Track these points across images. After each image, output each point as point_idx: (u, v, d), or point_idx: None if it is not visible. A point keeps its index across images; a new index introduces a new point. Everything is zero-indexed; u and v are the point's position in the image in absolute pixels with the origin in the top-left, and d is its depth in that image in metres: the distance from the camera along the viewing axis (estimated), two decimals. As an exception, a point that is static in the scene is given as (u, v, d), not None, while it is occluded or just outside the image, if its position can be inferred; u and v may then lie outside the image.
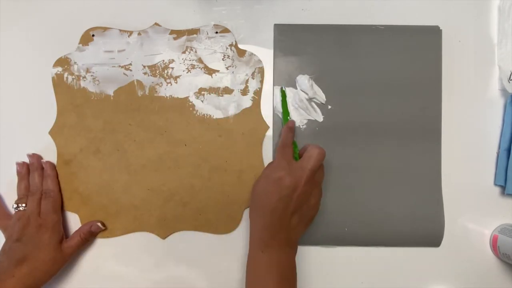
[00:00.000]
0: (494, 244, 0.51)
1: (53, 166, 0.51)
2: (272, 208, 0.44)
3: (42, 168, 0.51)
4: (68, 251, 0.48)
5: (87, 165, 0.51)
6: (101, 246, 0.51)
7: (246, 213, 0.51)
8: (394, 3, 0.52)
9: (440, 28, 0.51)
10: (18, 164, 0.51)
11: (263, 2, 0.52)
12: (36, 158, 0.51)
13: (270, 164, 0.48)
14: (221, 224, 0.51)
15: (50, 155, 0.51)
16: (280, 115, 0.51)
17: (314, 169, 0.45)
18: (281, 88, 0.51)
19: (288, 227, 0.45)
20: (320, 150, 0.46)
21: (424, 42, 0.51)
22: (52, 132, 0.52)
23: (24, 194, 0.50)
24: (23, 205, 0.49)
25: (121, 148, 0.51)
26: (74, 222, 0.51)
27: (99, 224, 0.50)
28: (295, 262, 0.46)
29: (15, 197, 0.50)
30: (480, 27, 0.53)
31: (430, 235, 0.51)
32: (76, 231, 0.50)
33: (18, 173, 0.50)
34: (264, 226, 0.45)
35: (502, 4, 0.52)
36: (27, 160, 0.51)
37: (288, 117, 0.51)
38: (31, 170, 0.50)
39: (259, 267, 0.44)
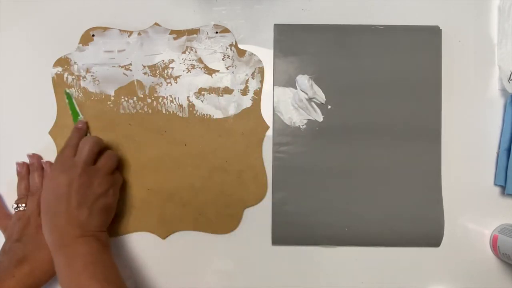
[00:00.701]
0: (494, 244, 0.51)
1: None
2: (53, 209, 0.44)
3: (42, 168, 0.51)
4: None
5: (87, 165, 0.51)
6: (101, 246, 0.51)
7: (246, 213, 0.51)
8: (394, 3, 0.52)
9: (440, 28, 0.51)
10: (18, 164, 0.51)
11: (263, 2, 0.52)
12: (36, 158, 0.51)
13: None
14: (221, 224, 0.51)
15: (50, 155, 0.51)
16: (281, 116, 0.51)
17: (87, 160, 0.45)
18: (65, 90, 0.51)
19: (78, 222, 0.44)
20: (90, 139, 0.46)
21: (424, 42, 0.51)
22: (52, 132, 0.52)
23: (24, 194, 0.50)
24: (23, 205, 0.49)
25: (121, 148, 0.51)
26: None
27: None
28: (103, 250, 0.44)
29: (15, 197, 0.50)
30: (480, 27, 0.53)
31: (430, 235, 0.51)
32: None
33: (18, 173, 0.51)
34: (51, 229, 0.44)
35: (502, 4, 0.52)
36: (27, 160, 0.51)
37: (79, 117, 0.51)
38: (31, 170, 0.50)
39: (61, 267, 0.43)
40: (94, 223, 0.45)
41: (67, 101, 0.51)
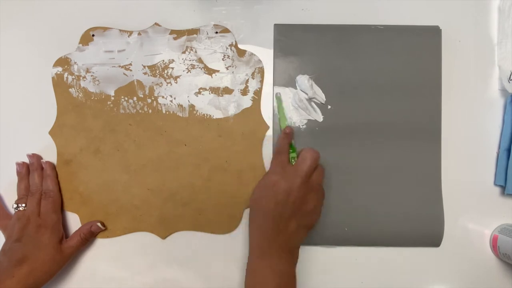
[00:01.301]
0: (494, 244, 0.51)
1: (52, 166, 0.51)
2: (269, 214, 0.44)
3: (42, 168, 0.51)
4: (68, 251, 0.48)
5: (87, 165, 0.51)
6: (101, 246, 0.51)
7: (246, 213, 0.51)
8: (394, 3, 0.52)
9: (440, 28, 0.51)
10: (18, 164, 0.51)
11: (263, 2, 0.52)
12: (36, 158, 0.51)
13: (267, 172, 0.49)
14: (221, 224, 0.51)
15: (50, 155, 0.51)
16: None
17: (308, 172, 0.45)
18: (276, 95, 0.51)
19: (286, 233, 0.44)
20: (313, 152, 0.46)
21: (424, 42, 0.51)
22: (52, 132, 0.52)
23: (24, 194, 0.50)
24: (23, 205, 0.49)
25: (121, 148, 0.51)
26: (74, 222, 0.51)
27: (99, 224, 0.50)
28: (294, 271, 0.45)
29: (15, 197, 0.50)
30: (480, 27, 0.53)
31: (430, 235, 0.51)
32: (76, 231, 0.50)
33: (18, 173, 0.51)
34: (261, 232, 0.45)
35: (502, 4, 0.52)
36: (27, 160, 0.51)
37: (286, 123, 0.51)
38: (31, 170, 0.50)
39: (257, 274, 0.44)
40: (298, 238, 0.46)
41: (276, 105, 0.51)
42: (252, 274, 0.44)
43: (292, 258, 0.46)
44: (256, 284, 0.44)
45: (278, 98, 0.51)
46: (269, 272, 0.43)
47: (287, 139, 0.49)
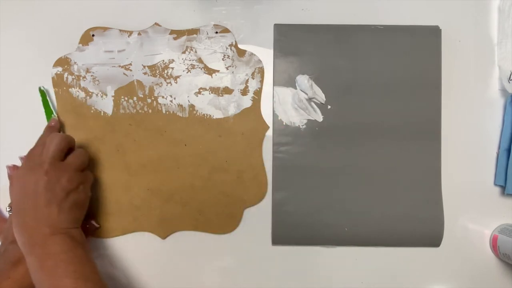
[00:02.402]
0: (494, 244, 0.51)
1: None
2: (21, 208, 0.43)
3: None
4: None
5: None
6: (100, 246, 0.51)
7: (246, 213, 0.51)
8: (394, 3, 0.52)
9: (440, 28, 0.51)
10: (8, 167, 0.50)
11: (263, 2, 0.52)
12: None
13: None
14: (221, 224, 0.51)
15: (50, 155, 0.51)
16: (279, 115, 0.51)
17: (54, 155, 0.44)
18: (39, 88, 0.51)
19: (47, 220, 0.43)
20: (54, 135, 0.45)
21: (424, 42, 0.51)
22: (52, 132, 0.52)
23: None
24: None
25: (121, 148, 0.51)
26: (74, 222, 0.51)
27: (93, 222, 0.50)
28: (78, 246, 0.43)
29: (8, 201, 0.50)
30: (480, 27, 0.53)
31: (430, 235, 0.51)
32: None
33: (9, 176, 0.50)
34: (20, 229, 0.43)
35: (502, 4, 0.52)
36: (18, 162, 0.51)
37: (52, 115, 0.50)
38: None
39: (33, 270, 0.42)
40: (65, 220, 0.44)
41: (41, 98, 0.51)
42: (32, 273, 0.42)
43: (68, 238, 0.43)
44: (38, 277, 0.41)
45: (41, 91, 0.50)
46: (41, 260, 0.41)
47: (49, 131, 0.48)
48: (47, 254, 0.41)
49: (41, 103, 0.51)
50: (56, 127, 0.49)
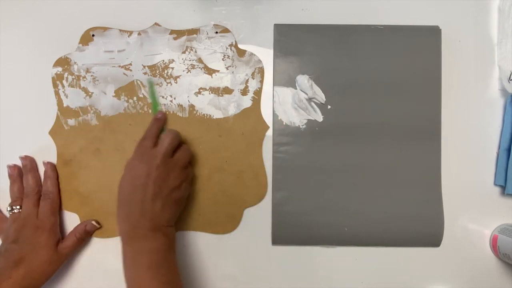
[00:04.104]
0: (494, 244, 0.51)
1: (53, 167, 0.51)
2: (129, 198, 0.44)
3: (36, 170, 0.50)
4: (64, 251, 0.48)
5: (87, 165, 0.51)
6: (100, 247, 0.51)
7: (246, 213, 0.51)
8: (394, 3, 0.52)
9: (440, 28, 0.51)
10: (9, 167, 0.50)
11: (263, 2, 0.52)
12: (29, 160, 0.50)
13: None
14: (221, 224, 0.51)
15: (50, 155, 0.51)
16: (279, 115, 0.51)
17: (167, 152, 0.45)
18: (148, 79, 0.51)
19: (151, 213, 0.44)
20: (170, 133, 0.46)
21: (424, 42, 0.51)
22: (52, 132, 0.52)
23: (17, 197, 0.49)
24: (17, 207, 0.48)
25: (121, 148, 0.51)
26: (74, 222, 0.51)
27: (94, 222, 0.50)
28: (170, 248, 0.45)
29: (9, 200, 0.50)
30: (480, 27, 0.53)
31: (430, 235, 0.51)
32: (72, 231, 0.50)
33: (10, 176, 0.50)
34: (124, 218, 0.44)
35: (502, 4, 0.52)
36: (18, 162, 0.51)
37: (158, 108, 0.51)
38: (24, 172, 0.50)
39: (127, 260, 0.43)
40: (165, 217, 0.45)
41: (147, 89, 0.51)
42: (124, 261, 0.44)
43: (163, 236, 0.44)
44: (129, 269, 0.43)
45: (150, 82, 0.51)
46: (137, 254, 0.43)
47: (157, 124, 0.49)
48: (143, 250, 0.43)
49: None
50: (162, 119, 0.49)
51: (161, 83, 0.51)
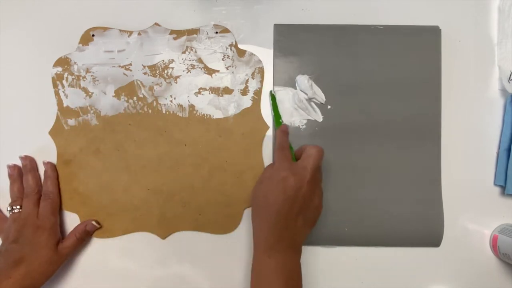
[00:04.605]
0: (494, 244, 0.51)
1: (54, 167, 0.51)
2: (278, 209, 0.43)
3: (36, 169, 0.50)
4: (64, 251, 0.48)
5: (87, 165, 0.51)
6: (100, 247, 0.51)
7: (246, 213, 0.51)
8: (394, 3, 0.52)
9: (440, 28, 0.51)
10: (9, 167, 0.50)
11: (263, 2, 0.52)
12: (29, 160, 0.50)
13: (270, 166, 0.47)
14: (221, 224, 0.51)
15: (50, 155, 0.51)
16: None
17: (316, 168, 0.45)
18: (270, 92, 0.51)
19: (293, 229, 0.44)
20: (318, 148, 0.46)
21: (424, 42, 0.51)
22: (52, 132, 0.52)
23: (17, 197, 0.49)
24: (18, 207, 0.48)
25: (121, 148, 0.51)
26: (74, 222, 0.51)
27: (94, 222, 0.50)
28: (300, 265, 0.45)
29: (9, 200, 0.50)
30: (480, 27, 0.53)
31: (430, 235, 0.51)
32: (72, 231, 0.50)
33: (10, 176, 0.50)
34: (269, 228, 0.44)
35: (502, 4, 0.52)
36: (18, 162, 0.51)
37: (280, 121, 0.50)
38: (24, 172, 0.50)
39: (265, 271, 0.43)
40: (303, 235, 0.45)
41: (270, 102, 0.51)
42: (259, 271, 0.44)
43: (297, 254, 0.45)
44: (264, 282, 0.43)
45: (272, 96, 0.51)
46: (276, 269, 0.43)
47: (286, 136, 0.49)
48: (283, 264, 0.43)
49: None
50: (287, 131, 0.49)
51: (160, 83, 0.51)
